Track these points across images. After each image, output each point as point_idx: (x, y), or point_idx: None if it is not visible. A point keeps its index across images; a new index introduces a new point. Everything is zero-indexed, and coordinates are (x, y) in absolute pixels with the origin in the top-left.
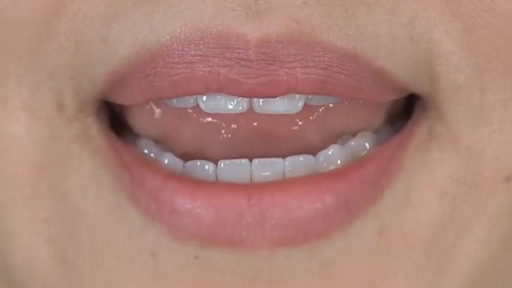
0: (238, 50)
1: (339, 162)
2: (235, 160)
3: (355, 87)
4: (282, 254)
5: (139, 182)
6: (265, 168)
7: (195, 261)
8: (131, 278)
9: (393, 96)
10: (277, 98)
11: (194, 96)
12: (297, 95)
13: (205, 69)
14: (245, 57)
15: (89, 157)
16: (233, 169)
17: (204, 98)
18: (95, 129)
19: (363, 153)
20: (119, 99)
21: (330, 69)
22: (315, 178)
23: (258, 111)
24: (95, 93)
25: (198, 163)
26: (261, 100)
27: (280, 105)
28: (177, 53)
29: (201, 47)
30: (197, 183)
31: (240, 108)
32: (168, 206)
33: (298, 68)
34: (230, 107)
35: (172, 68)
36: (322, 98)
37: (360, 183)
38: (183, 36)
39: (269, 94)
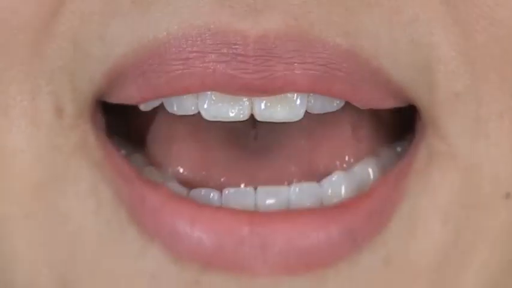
0: (236, 46)
1: (343, 188)
2: (239, 188)
3: (353, 86)
4: (286, 281)
5: (140, 199)
6: (269, 196)
7: (195, 285)
8: None
9: (391, 102)
10: (278, 105)
11: (196, 103)
12: (298, 101)
13: (201, 65)
14: (243, 52)
15: (88, 170)
16: (237, 196)
17: (205, 105)
18: (93, 138)
19: (366, 181)
20: (117, 98)
21: (328, 65)
22: (320, 210)
23: (259, 119)
24: (93, 92)
25: (203, 191)
26: (262, 107)
27: (281, 113)
28: (173, 49)
29: (198, 43)
30: (198, 207)
31: (242, 115)
32: (167, 227)
33: (296, 64)
34: (231, 114)
35: (168, 64)
36: (324, 104)
37: (366, 215)
38: (180, 33)
39: (265, 90)
